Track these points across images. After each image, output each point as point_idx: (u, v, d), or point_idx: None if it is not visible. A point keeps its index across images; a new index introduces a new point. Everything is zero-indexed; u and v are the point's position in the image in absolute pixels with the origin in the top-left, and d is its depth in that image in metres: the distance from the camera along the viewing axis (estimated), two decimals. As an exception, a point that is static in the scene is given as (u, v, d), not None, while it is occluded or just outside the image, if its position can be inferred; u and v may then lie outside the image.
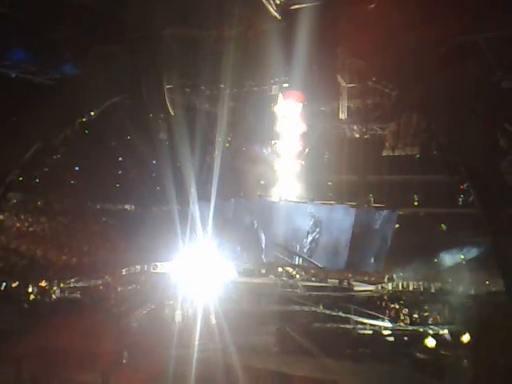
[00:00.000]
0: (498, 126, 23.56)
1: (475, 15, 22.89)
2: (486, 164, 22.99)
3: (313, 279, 28.08)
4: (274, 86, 29.67)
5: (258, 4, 26.00)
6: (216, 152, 30.63)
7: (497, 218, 22.43)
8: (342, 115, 30.37)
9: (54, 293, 26.75)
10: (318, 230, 31.42)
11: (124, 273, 28.34)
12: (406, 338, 22.71)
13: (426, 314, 24.23)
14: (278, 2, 26.05)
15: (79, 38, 28.59)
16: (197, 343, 20.94)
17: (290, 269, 28.81)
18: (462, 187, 25.88)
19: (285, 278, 27.80)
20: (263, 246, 31.62)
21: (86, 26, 27.64)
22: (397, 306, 24.95)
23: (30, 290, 26.65)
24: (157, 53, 28.77)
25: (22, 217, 34.09)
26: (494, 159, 23.35)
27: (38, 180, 31.79)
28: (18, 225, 33.50)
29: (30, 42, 29.30)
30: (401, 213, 32.42)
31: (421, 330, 22.94)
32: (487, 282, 26.06)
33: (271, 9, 26.11)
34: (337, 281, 27.64)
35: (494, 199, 22.61)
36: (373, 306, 24.99)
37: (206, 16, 26.74)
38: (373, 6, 24.70)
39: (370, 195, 32.40)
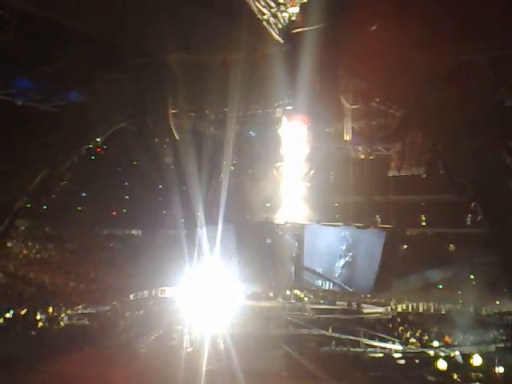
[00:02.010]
0: (503, 144, 23.48)
1: (478, 36, 23.03)
2: (492, 183, 22.90)
3: (321, 302, 27.86)
4: (278, 109, 29.87)
5: (260, 29, 26.30)
6: (222, 175, 30.71)
7: (504, 237, 22.28)
8: (347, 136, 30.55)
9: (62, 319, 26.69)
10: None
11: (132, 298, 28.28)
12: (416, 361, 22.36)
13: (436, 335, 23.95)
14: (280, 26, 26.35)
15: (84, 65, 28.95)
16: (205, 368, 20.70)
17: (298, 292, 28.63)
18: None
19: (293, 301, 27.60)
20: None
21: (91, 53, 27.95)
22: (407, 328, 24.70)
23: (39, 317, 26.60)
24: (161, 78, 29.09)
25: (30, 244, 34.14)
26: (500, 178, 23.24)
27: (45, 207, 31.81)
28: (25, 252, 33.55)
29: (36, 71, 29.65)
30: (408, 233, 32.31)
31: (432, 352, 22.63)
32: (497, 302, 25.78)
33: (274, 33, 26.41)
34: (345, 303, 27.41)
35: (501, 218, 22.44)
36: (383, 328, 24.76)
37: (210, 41, 27.06)
38: (374, 28, 24.91)
39: (377, 216, 32.31)
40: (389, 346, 23.22)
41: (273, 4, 25.89)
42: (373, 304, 27.76)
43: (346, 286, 32.32)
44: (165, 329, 24.30)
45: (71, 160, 29.94)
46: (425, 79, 24.01)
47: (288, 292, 28.50)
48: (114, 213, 37.38)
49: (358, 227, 31.04)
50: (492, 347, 22.50)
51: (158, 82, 29.23)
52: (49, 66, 28.99)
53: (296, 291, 28.53)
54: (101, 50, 27.69)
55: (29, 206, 30.12)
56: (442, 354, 22.23)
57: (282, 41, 26.64)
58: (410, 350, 23.01)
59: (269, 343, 22.96)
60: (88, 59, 28.54)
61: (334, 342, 23.35)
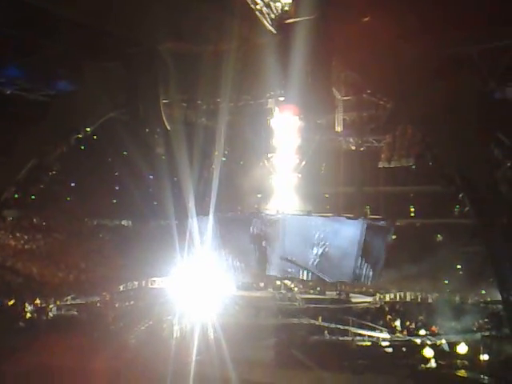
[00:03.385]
0: (492, 136, 23.74)
1: (468, 28, 23.24)
2: (480, 175, 23.19)
3: (311, 292, 28.07)
4: (269, 100, 29.88)
5: (253, 18, 26.24)
6: (213, 166, 30.66)
7: (491, 228, 22.57)
8: (338, 128, 30.67)
9: (51, 310, 26.61)
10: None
11: (121, 289, 28.25)
12: (404, 349, 22.70)
13: (423, 324, 24.31)
14: (272, 17, 26.31)
15: (74, 54, 28.69)
16: (195, 358, 20.79)
17: (288, 282, 28.79)
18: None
19: (283, 291, 27.78)
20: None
21: (81, 42, 27.70)
22: (394, 317, 25.03)
23: (27, 307, 26.48)
24: (153, 68, 28.92)
25: (18, 234, 33.88)
26: (488, 170, 23.53)
27: (33, 197, 31.52)
28: (13, 242, 33.30)
29: (25, 59, 29.33)
30: (398, 224, 32.57)
31: (418, 340, 22.97)
32: (483, 292, 26.19)
33: (266, 23, 26.36)
34: (335, 293, 27.67)
35: (488, 209, 22.75)
36: (371, 317, 25.07)
37: (202, 31, 26.97)
38: (367, 19, 25.03)
39: (367, 207, 32.55)
40: (377, 334, 23.51)
41: (266, -6, 25.82)
42: (361, 294, 28.09)
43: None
44: (155, 319, 24.32)
45: (60, 150, 29.67)
46: (415, 71, 24.19)
47: (278, 282, 28.66)
48: (106, 203, 37.17)
49: (347, 218, 31.20)
50: (477, 335, 22.89)
51: (149, 72, 29.06)
52: (38, 54, 28.69)
53: (286, 281, 28.72)
54: (91, 38, 27.47)
55: (17, 196, 29.89)
56: (429, 343, 22.58)
57: (274, 31, 26.58)
58: (398, 339, 23.32)
59: (259, 332, 23.14)
60: (78, 48, 28.28)
61: (323, 331, 23.60)
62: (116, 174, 37.14)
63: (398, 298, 26.75)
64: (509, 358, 21.05)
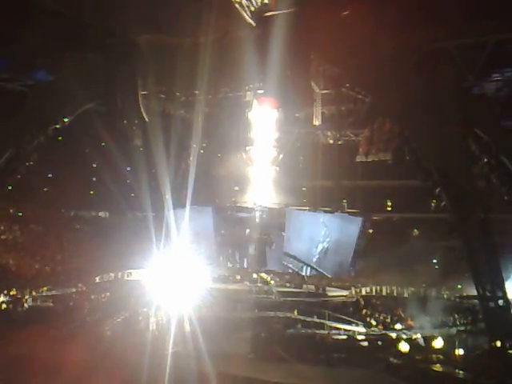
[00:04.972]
0: (470, 131, 23.87)
1: (446, 23, 23.34)
2: (457, 169, 23.30)
3: (287, 285, 28.15)
4: (248, 93, 29.77)
5: (232, 11, 26.10)
6: (191, 158, 30.58)
7: (468, 222, 22.73)
8: (317, 121, 30.69)
9: (26, 301, 26.45)
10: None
11: (98, 281, 28.09)
12: (379, 343, 22.88)
13: (399, 318, 24.46)
14: (252, 9, 26.21)
15: (53, 44, 28.36)
16: (171, 350, 20.78)
17: (264, 275, 28.83)
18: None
19: (260, 284, 27.81)
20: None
21: (60, 32, 27.39)
22: (370, 311, 25.17)
23: (2, 298, 26.30)
24: (131, 59, 28.67)
25: (-6, 225, 33.60)
26: (465, 165, 23.66)
27: (10, 187, 31.15)
28: (-11, 233, 33.04)
29: (3, 49, 28.94)
30: (375, 218, 32.79)
31: (394, 334, 23.14)
32: (459, 286, 26.40)
33: (246, 15, 26.25)
34: (311, 286, 27.76)
35: (465, 204, 22.89)
36: (347, 311, 25.18)
37: (181, 23, 26.74)
38: (346, 13, 25.01)
39: (344, 200, 32.72)
40: (353, 328, 23.65)
41: (246, -14, 25.71)
42: (338, 287, 28.18)
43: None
44: (131, 311, 24.29)
45: (37, 140, 29.31)
46: (393, 65, 24.21)
47: (255, 275, 28.69)
48: (84, 194, 36.96)
49: (325, 211, 31.44)
50: (453, 330, 23.11)
51: (127, 63, 28.77)
52: (16, 44, 28.33)
53: (262, 274, 28.74)
54: (69, 28, 27.16)
55: (-7, 186, 29.49)
56: (404, 337, 22.78)
57: (254, 24, 26.48)
58: (373, 333, 23.49)
59: (235, 325, 23.20)
60: (56, 38, 27.95)
61: (299, 325, 23.71)
62: (93, 165, 36.83)
63: (374, 291, 26.84)
64: (484, 352, 21.34)
